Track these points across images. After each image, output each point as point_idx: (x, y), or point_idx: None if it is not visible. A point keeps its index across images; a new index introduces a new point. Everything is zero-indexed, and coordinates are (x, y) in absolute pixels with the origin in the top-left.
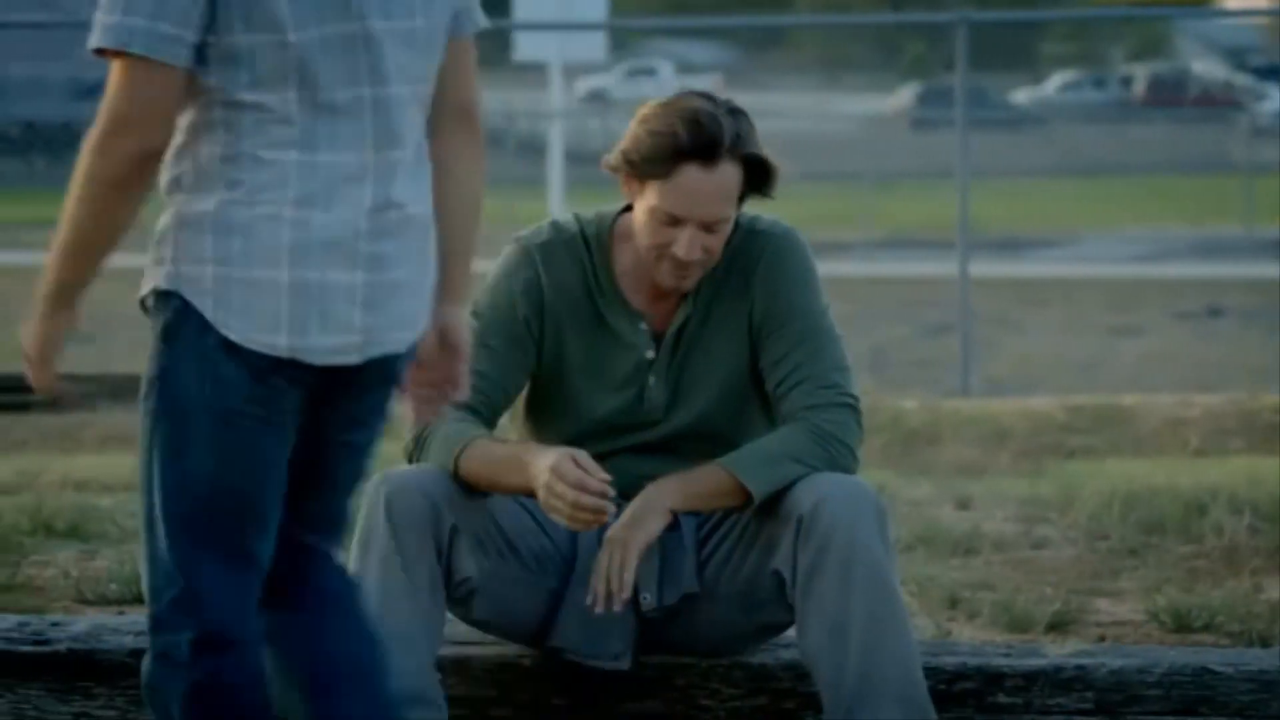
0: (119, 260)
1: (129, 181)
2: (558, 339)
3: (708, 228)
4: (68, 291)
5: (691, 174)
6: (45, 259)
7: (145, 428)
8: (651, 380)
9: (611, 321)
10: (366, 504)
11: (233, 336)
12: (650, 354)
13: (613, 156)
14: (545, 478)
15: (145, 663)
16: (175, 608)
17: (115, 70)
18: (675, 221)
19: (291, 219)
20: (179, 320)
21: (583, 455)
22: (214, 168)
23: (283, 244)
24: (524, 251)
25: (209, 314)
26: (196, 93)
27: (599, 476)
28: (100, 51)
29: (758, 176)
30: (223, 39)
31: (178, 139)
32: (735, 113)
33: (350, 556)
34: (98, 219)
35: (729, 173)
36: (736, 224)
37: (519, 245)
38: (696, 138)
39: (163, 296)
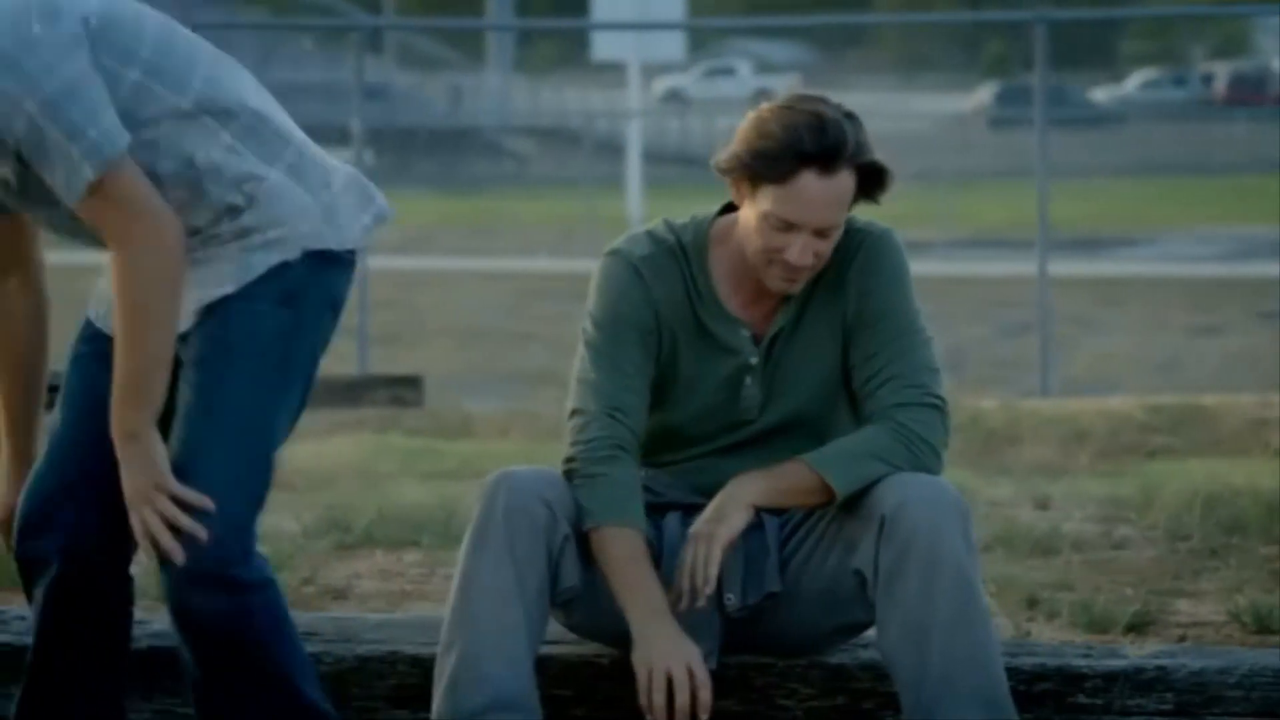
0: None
1: (182, 262)
2: (671, 351)
3: (820, 234)
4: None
5: (810, 181)
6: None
7: (259, 368)
8: (748, 381)
9: (713, 328)
10: (483, 501)
11: (354, 244)
12: (754, 360)
13: (724, 159)
14: (668, 664)
15: (227, 600)
16: (253, 539)
17: (109, 183)
18: (789, 227)
19: (303, 138)
20: (301, 285)
21: (701, 672)
22: (242, 148)
23: (321, 156)
24: (629, 266)
25: (332, 243)
26: (157, 121)
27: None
28: (93, 187)
29: (870, 183)
30: (132, 73)
31: (184, 162)
32: (852, 118)
33: (461, 552)
34: (168, 324)
35: (845, 180)
36: None
37: (621, 259)
38: (820, 144)
39: (283, 266)
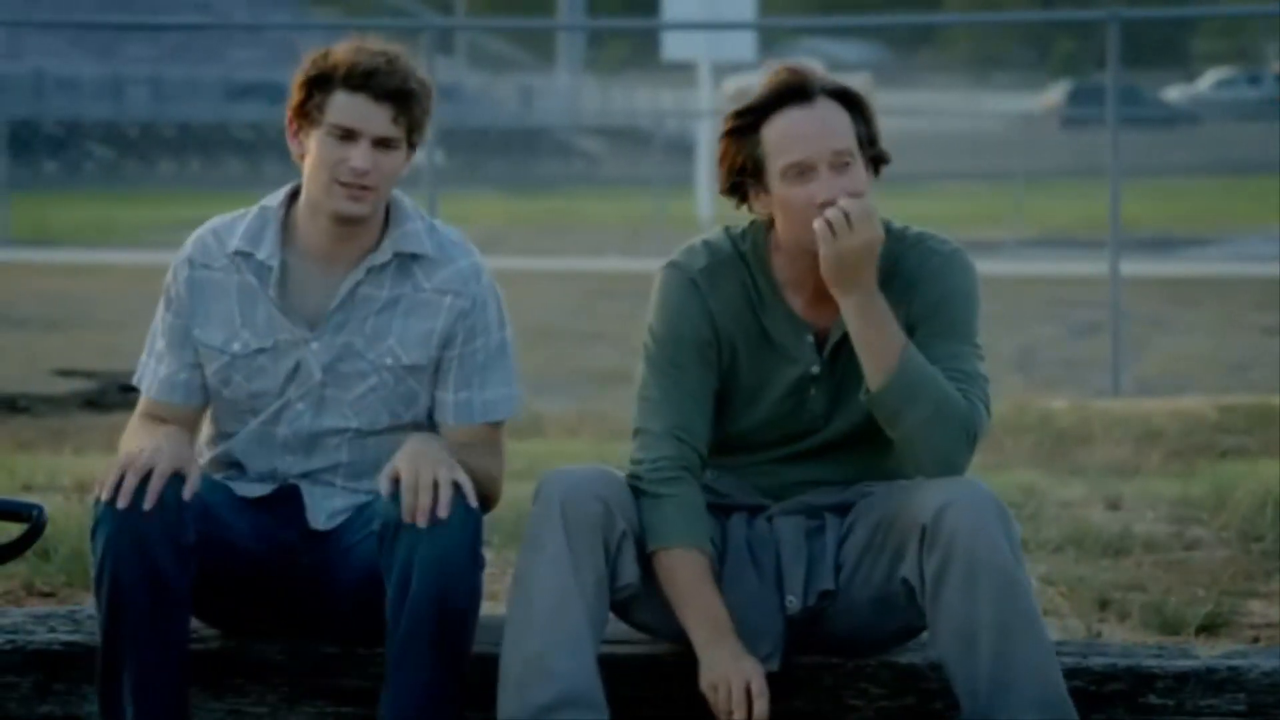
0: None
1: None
2: (732, 361)
3: (839, 168)
4: None
5: (794, 115)
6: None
7: None
8: (813, 392)
9: (776, 335)
10: (539, 502)
11: None
12: (816, 369)
13: (721, 175)
14: (729, 682)
15: (470, 573)
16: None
17: (497, 437)
18: (803, 172)
19: None
20: None
21: (758, 684)
22: None
23: None
24: (687, 279)
25: None
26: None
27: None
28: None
29: (867, 131)
30: None
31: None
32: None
33: (520, 551)
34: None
35: (829, 107)
36: (901, 233)
37: (679, 273)
38: (786, 83)
39: None
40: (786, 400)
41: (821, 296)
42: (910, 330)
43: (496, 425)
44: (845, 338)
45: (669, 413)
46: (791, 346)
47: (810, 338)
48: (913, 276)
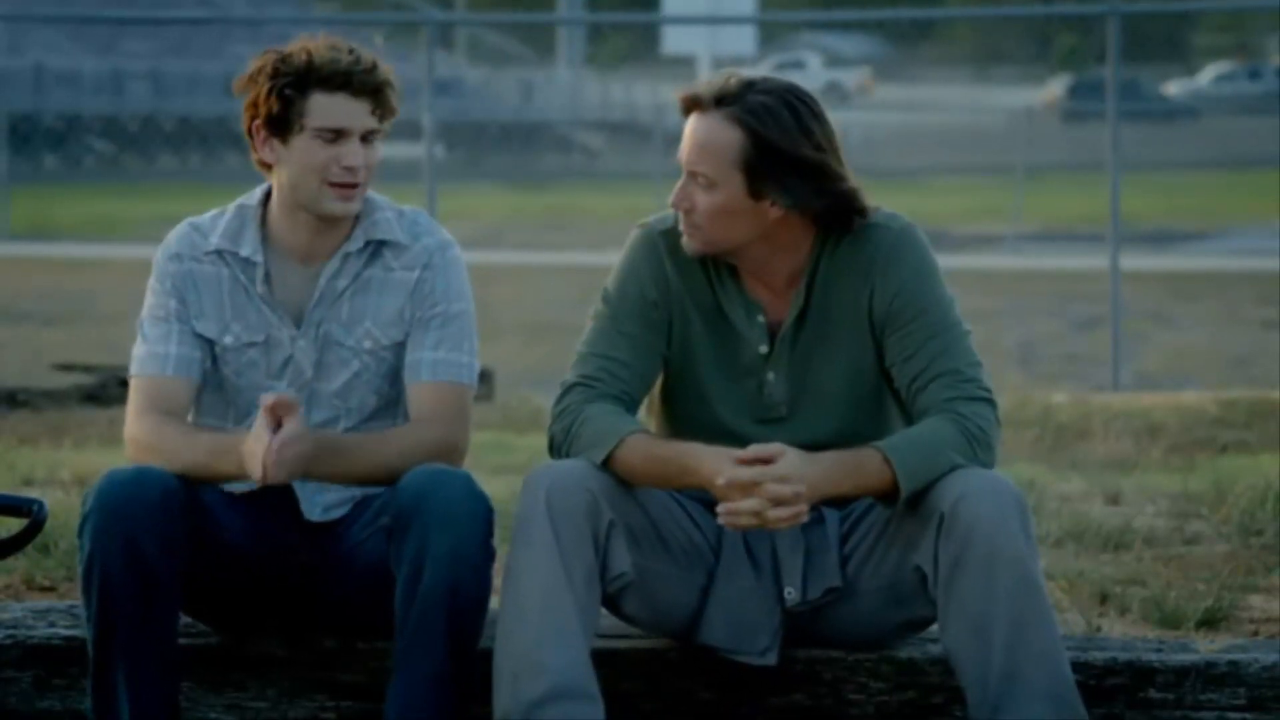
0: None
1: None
2: (684, 326)
3: (693, 176)
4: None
5: (690, 119)
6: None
7: None
8: (770, 376)
9: (729, 311)
10: (525, 495)
11: None
12: (763, 349)
13: None
14: (728, 477)
15: (481, 571)
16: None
17: (455, 400)
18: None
19: None
20: None
21: (763, 451)
22: None
23: None
24: (649, 237)
25: None
26: None
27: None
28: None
29: (793, 179)
30: None
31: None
32: (772, 92)
33: (509, 546)
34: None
35: (718, 126)
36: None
37: (644, 231)
38: (699, 87)
39: None
40: (747, 380)
41: (774, 282)
42: (883, 322)
43: (455, 389)
44: (798, 324)
45: (591, 362)
46: (742, 324)
47: (761, 318)
48: (870, 260)
